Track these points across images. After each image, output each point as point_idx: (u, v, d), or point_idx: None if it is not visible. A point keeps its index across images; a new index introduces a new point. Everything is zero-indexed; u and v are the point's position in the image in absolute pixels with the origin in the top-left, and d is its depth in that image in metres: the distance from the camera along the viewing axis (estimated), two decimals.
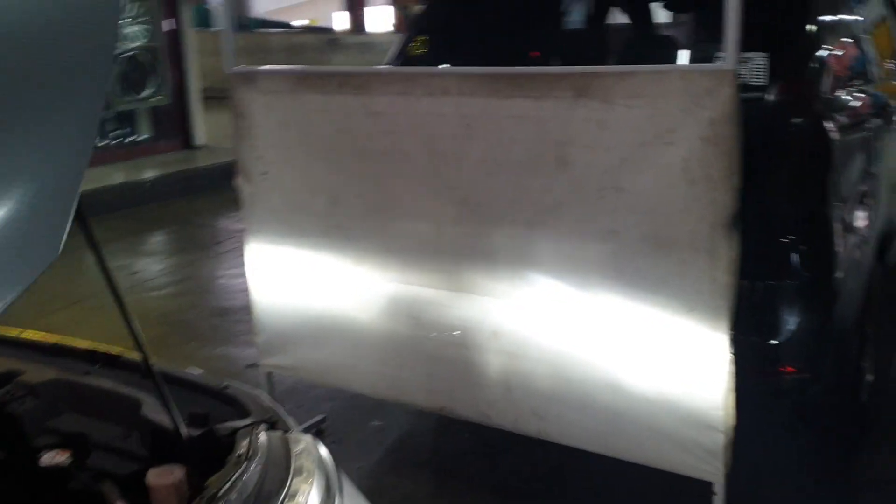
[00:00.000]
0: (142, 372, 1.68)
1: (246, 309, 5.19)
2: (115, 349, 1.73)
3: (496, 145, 2.47)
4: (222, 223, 7.14)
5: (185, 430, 1.29)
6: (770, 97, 2.55)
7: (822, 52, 2.74)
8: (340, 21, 16.45)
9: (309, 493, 1.14)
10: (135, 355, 1.77)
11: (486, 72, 2.44)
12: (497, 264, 2.58)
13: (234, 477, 1.10)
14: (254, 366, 3.57)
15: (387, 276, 2.84)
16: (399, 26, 16.93)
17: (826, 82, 2.70)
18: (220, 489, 1.07)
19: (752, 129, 2.17)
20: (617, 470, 2.82)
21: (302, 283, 3.05)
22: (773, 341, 2.57)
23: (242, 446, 1.21)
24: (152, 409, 1.44)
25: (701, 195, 2.18)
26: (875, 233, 3.03)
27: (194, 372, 1.67)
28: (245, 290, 5.57)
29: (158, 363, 1.51)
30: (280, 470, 1.17)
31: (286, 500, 1.10)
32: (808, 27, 2.72)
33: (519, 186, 2.47)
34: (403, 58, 3.38)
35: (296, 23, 17.06)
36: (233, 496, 1.06)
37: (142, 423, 1.42)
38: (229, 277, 5.63)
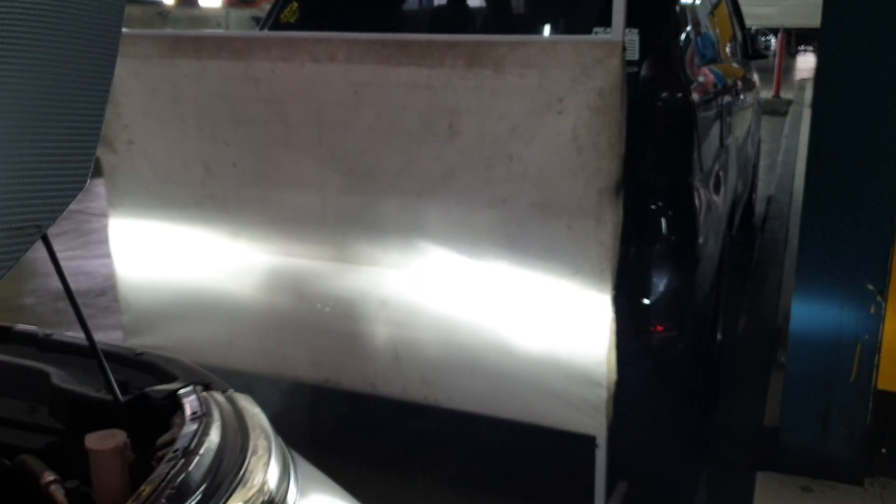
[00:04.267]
0: (37, 343, 1.57)
1: (91, 292, 4.95)
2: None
3: (386, 114, 2.46)
4: None
5: (120, 396, 1.22)
6: (642, 72, 2.69)
7: (684, 32, 2.92)
8: None
9: (271, 450, 1.11)
10: (24, 326, 1.65)
11: (376, 38, 2.42)
12: (385, 234, 2.58)
13: (199, 432, 1.05)
14: None
15: (267, 249, 2.76)
16: (230, 0, 16.37)
17: (689, 61, 2.89)
18: (191, 443, 1.02)
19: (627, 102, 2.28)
20: (496, 438, 2.93)
21: (173, 258, 2.92)
22: (644, 301, 2.73)
23: (190, 405, 1.16)
24: (64, 380, 1.35)
25: (588, 163, 2.27)
26: (727, 203, 3.28)
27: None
28: (87, 273, 5.32)
29: None
30: (236, 428, 1.13)
31: (251, 457, 1.07)
32: (673, 7, 2.89)
33: (409, 155, 2.48)
34: (276, 25, 3.29)
35: None
36: (202, 451, 1.02)
37: (54, 394, 1.33)
38: (66, 259, 5.28)
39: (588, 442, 2.50)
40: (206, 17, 14.03)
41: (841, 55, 2.51)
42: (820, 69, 2.57)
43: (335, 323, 2.72)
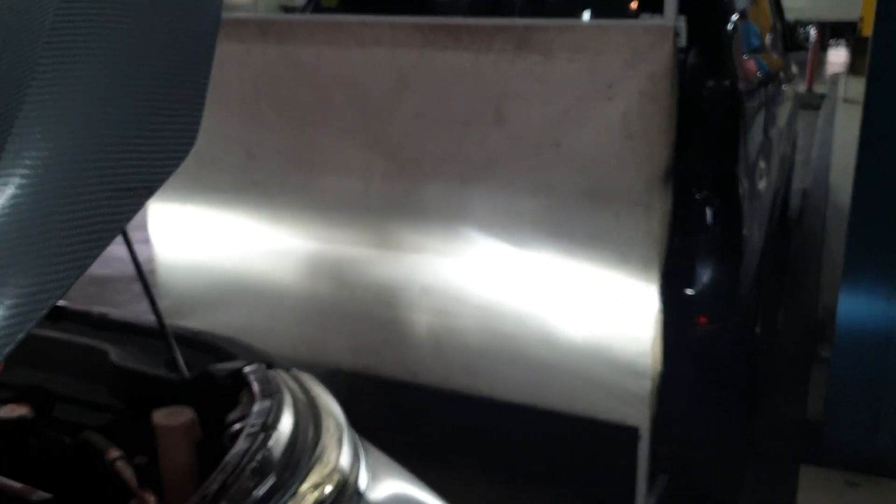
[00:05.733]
0: (92, 322, 1.56)
1: (126, 278, 4.95)
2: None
3: (431, 99, 2.44)
4: None
5: (186, 373, 1.21)
6: (689, 59, 2.65)
7: (731, 21, 2.88)
8: None
9: (342, 429, 1.10)
10: (78, 305, 1.65)
11: (423, 22, 2.39)
12: (429, 221, 2.56)
13: (274, 408, 1.04)
14: None
15: (308, 234, 2.76)
16: None
17: (735, 49, 2.84)
18: (268, 419, 1.01)
19: None
20: (539, 427, 2.89)
21: (214, 242, 2.92)
22: (688, 291, 2.69)
23: (258, 382, 1.15)
24: (123, 358, 1.35)
25: (638, 150, 2.23)
26: (769, 194, 3.23)
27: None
28: (122, 259, 5.34)
29: None
30: (306, 405, 1.12)
31: (325, 435, 1.05)
32: None
33: (454, 141, 2.45)
34: (316, 10, 3.27)
35: None
36: (280, 426, 1.00)
37: (113, 372, 1.33)
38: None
39: (631, 434, 2.47)
40: (238, 6, 14.06)
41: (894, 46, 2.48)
42: (872, 61, 2.53)
43: (376, 310, 2.71)
